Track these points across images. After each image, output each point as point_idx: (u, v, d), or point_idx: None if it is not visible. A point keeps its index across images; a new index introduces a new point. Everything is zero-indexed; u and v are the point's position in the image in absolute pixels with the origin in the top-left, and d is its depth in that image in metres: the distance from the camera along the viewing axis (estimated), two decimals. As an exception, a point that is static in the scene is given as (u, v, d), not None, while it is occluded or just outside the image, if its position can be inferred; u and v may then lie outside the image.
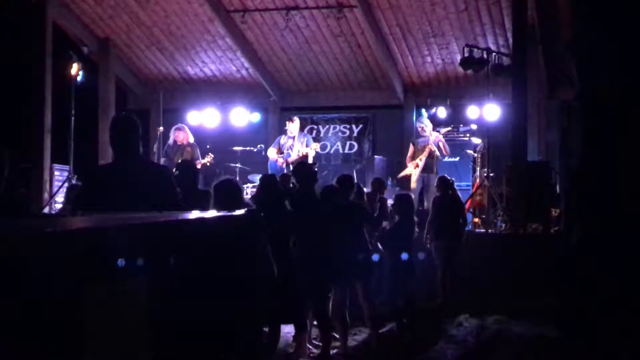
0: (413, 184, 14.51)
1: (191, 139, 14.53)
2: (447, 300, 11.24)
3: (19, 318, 2.08)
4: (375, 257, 9.20)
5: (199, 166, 13.86)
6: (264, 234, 6.62)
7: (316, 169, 10.10)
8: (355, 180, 10.55)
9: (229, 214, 3.86)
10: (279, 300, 7.39)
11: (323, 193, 8.67)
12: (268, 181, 8.66)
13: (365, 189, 12.17)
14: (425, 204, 14.48)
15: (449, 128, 15.59)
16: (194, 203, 6.04)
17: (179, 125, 14.87)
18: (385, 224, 11.32)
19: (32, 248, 2.15)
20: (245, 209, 6.11)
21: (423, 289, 10.91)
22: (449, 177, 12.11)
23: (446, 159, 15.48)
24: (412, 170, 14.71)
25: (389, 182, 15.31)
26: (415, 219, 10.60)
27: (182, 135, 14.43)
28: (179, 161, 12.14)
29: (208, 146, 15.08)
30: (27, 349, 2.10)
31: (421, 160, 14.67)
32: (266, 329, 8.09)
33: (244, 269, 3.37)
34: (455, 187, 12.31)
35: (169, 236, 2.83)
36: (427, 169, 14.76)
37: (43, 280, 2.12)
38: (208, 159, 14.44)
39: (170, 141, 14.53)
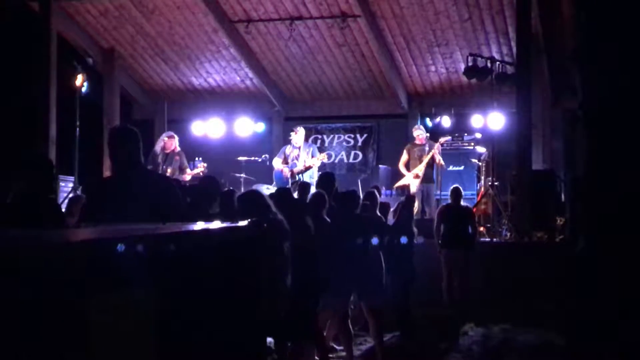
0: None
1: (178, 147, 14.51)
2: (455, 309, 11.23)
3: (24, 327, 2.09)
4: (375, 240, 9.12)
5: (189, 177, 13.92)
6: (275, 246, 6.59)
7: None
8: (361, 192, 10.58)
9: (232, 225, 3.86)
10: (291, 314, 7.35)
11: (311, 202, 8.59)
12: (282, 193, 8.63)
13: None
14: (428, 213, 14.47)
15: (448, 137, 15.53)
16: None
17: (171, 133, 14.82)
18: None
19: (37, 259, 2.16)
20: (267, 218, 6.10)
21: (428, 297, 10.91)
22: (460, 187, 12.10)
23: (451, 167, 15.47)
24: (411, 180, 14.69)
25: (393, 192, 15.30)
26: (415, 230, 10.59)
27: (173, 143, 14.38)
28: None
29: (199, 158, 15.05)
30: (32, 357, 2.11)
31: (421, 171, 14.67)
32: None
33: (247, 280, 3.37)
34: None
35: (173, 247, 2.83)
36: (426, 179, 14.75)
37: (48, 290, 2.13)
38: (201, 169, 14.46)
39: (157, 148, 14.40)
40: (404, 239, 9.69)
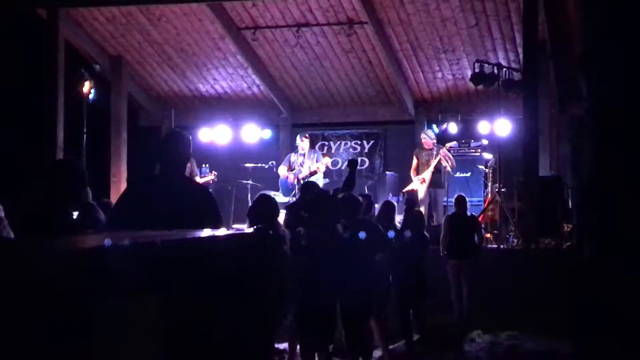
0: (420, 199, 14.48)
1: None
2: (464, 318, 11.22)
3: (30, 336, 2.09)
4: (391, 234, 9.12)
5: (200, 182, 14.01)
6: (285, 255, 6.59)
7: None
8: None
9: (238, 232, 3.86)
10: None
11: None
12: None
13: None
14: (435, 219, 14.45)
15: (454, 143, 15.49)
16: None
17: None
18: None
19: (41, 266, 2.17)
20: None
21: (436, 306, 10.90)
22: (464, 196, 12.09)
23: (457, 174, 15.44)
24: (419, 185, 14.69)
25: (400, 198, 15.29)
26: (427, 234, 10.58)
27: None
28: None
29: (206, 164, 15.06)
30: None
31: (427, 176, 14.66)
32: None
33: (256, 288, 3.37)
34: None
35: (179, 254, 2.83)
36: (434, 184, 14.74)
37: (53, 298, 2.13)
38: (211, 176, 14.51)
39: None
40: (407, 234, 9.69)
